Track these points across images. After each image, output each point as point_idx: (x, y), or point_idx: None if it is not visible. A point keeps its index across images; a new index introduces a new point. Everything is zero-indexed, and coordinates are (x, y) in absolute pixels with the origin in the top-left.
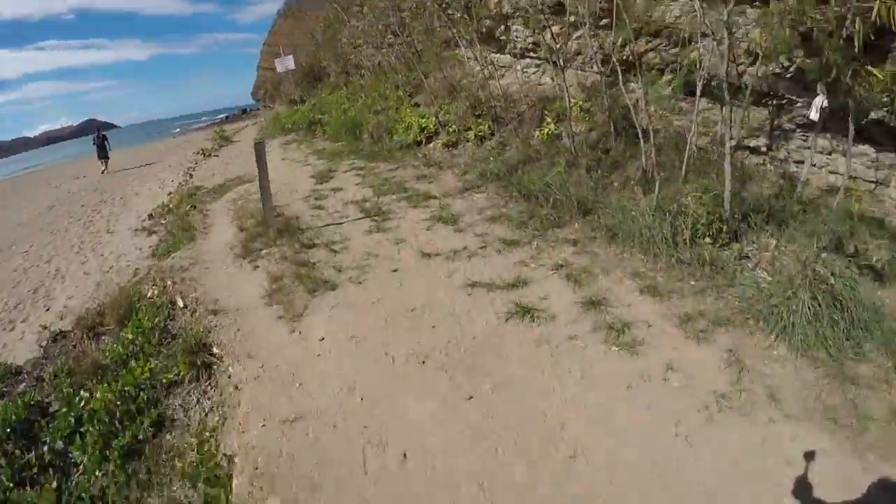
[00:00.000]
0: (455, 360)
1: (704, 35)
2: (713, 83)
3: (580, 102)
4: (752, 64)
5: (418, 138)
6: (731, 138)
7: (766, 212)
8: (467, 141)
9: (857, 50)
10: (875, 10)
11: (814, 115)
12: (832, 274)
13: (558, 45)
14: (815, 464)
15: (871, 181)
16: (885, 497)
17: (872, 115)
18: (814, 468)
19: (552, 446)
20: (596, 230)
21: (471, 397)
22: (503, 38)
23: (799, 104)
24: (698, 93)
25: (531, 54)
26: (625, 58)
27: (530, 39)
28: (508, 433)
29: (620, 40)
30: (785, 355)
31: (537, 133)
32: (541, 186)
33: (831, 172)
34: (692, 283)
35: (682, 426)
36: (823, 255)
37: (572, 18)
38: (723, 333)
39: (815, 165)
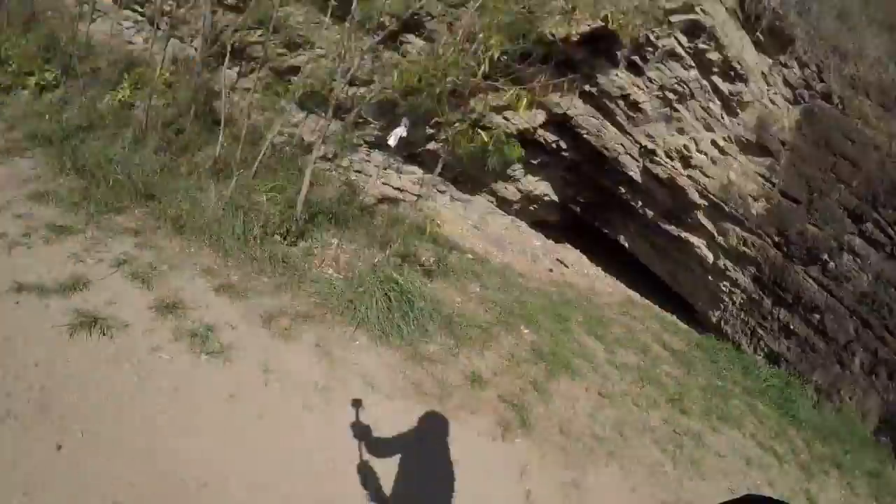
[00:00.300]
0: (22, 402)
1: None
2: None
3: (166, 74)
4: (365, 85)
5: None
6: (319, 149)
7: (331, 214)
8: (24, 88)
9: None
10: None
11: (392, 141)
12: (399, 274)
13: (168, 8)
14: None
15: (416, 195)
16: None
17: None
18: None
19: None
20: (160, 219)
21: (60, 447)
22: None
23: (373, 125)
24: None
25: (136, 6)
26: (234, 43)
27: None
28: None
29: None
30: (367, 344)
31: (109, 97)
32: (100, 160)
33: (385, 184)
34: (266, 279)
35: (300, 431)
36: (391, 258)
37: None
38: (307, 330)
39: (370, 176)
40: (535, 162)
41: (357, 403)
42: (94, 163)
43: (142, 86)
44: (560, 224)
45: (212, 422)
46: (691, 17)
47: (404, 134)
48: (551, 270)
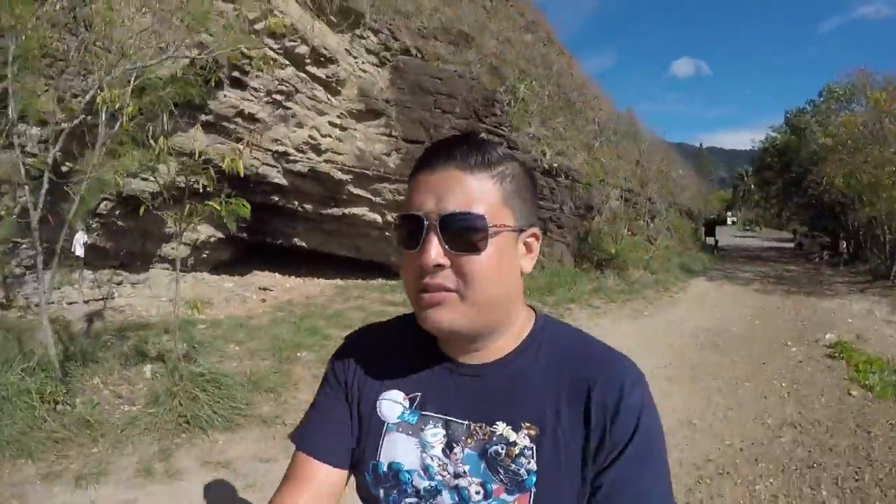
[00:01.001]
0: None
1: None
2: None
3: None
4: None
5: None
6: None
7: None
8: None
9: None
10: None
11: (79, 251)
12: None
13: None
14: None
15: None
16: None
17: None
18: None
19: None
20: None
21: None
22: None
23: (24, 245)
24: None
25: None
26: None
27: None
28: None
29: None
30: None
31: None
32: None
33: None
34: None
35: None
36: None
37: None
38: None
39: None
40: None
41: None
42: None
43: None
44: (235, 257)
45: None
46: (271, 20)
47: (86, 239)
48: (264, 301)
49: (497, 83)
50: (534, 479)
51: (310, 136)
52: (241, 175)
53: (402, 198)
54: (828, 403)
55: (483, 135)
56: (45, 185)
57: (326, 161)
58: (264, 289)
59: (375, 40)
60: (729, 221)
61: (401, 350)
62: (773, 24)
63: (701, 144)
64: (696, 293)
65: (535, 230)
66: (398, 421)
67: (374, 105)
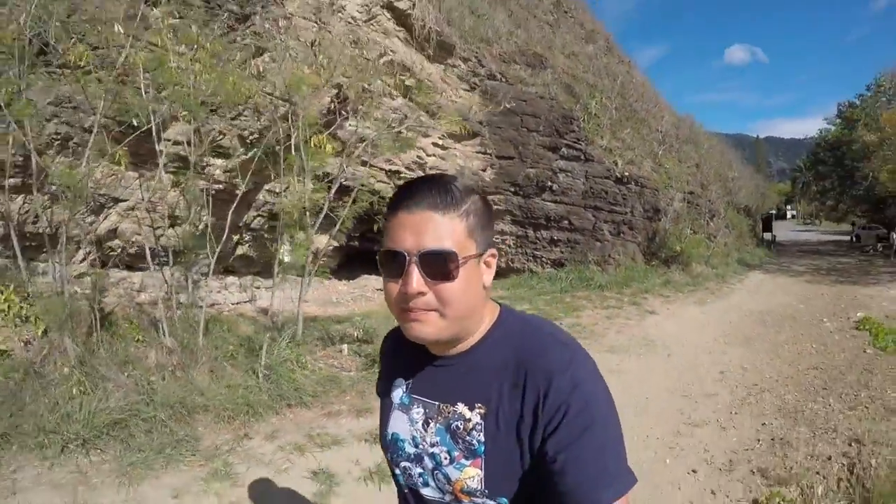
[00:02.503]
0: None
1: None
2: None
3: None
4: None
5: None
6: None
7: None
8: None
9: None
10: None
11: (287, 258)
12: None
13: None
14: None
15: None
16: None
17: None
18: None
19: None
20: None
21: None
22: None
23: (202, 255)
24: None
25: None
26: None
27: None
28: None
29: None
30: None
31: None
32: None
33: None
34: None
35: None
36: None
37: None
38: None
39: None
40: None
41: None
42: None
43: None
44: (341, 264)
45: None
46: (388, 58)
47: (289, 248)
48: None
49: (572, 102)
50: (482, 447)
51: (417, 157)
52: (377, 195)
53: (497, 207)
54: (845, 357)
55: (446, 174)
56: (233, 206)
57: None
58: (379, 290)
59: (465, 68)
60: (789, 215)
61: (406, 348)
62: (824, 5)
63: (758, 136)
64: (752, 284)
65: (493, 250)
66: (398, 402)
67: (471, 127)
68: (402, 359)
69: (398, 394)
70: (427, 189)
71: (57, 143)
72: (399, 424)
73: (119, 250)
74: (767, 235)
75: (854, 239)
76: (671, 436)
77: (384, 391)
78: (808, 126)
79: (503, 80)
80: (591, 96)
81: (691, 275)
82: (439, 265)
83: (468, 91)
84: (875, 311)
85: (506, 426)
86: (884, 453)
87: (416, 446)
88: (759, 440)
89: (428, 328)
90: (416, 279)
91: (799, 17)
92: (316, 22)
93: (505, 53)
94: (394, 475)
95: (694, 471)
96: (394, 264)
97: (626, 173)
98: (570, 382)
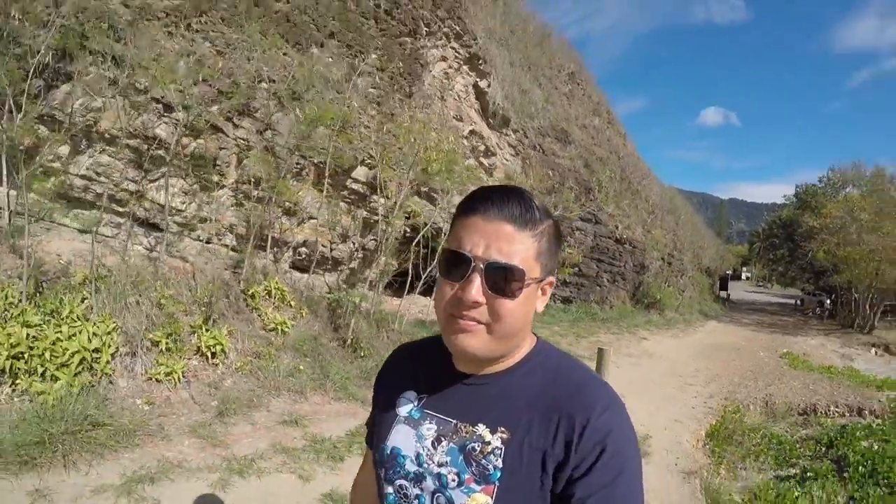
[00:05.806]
0: None
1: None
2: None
3: None
4: (343, 241)
5: None
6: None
7: None
8: None
9: None
10: None
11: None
12: None
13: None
14: None
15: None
16: None
17: None
18: None
19: None
20: None
21: None
22: None
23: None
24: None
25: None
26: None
27: None
28: None
29: None
30: None
31: None
32: None
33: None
34: None
35: None
36: None
37: None
38: None
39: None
40: None
41: None
42: None
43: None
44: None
45: None
46: (471, 126)
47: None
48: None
49: (589, 174)
50: (498, 474)
51: None
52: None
53: None
54: (769, 368)
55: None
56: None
57: None
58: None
59: (514, 137)
60: (744, 276)
61: (423, 361)
62: (802, 77)
63: (722, 200)
64: (709, 328)
65: (552, 278)
66: (406, 415)
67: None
68: (418, 372)
69: (408, 408)
70: (508, 200)
71: (294, 170)
72: (402, 439)
73: (304, 256)
74: (723, 293)
75: (798, 303)
76: (675, 389)
77: (386, 404)
78: (771, 192)
79: (540, 150)
80: (603, 172)
81: (665, 318)
82: (504, 280)
83: (513, 156)
84: (796, 350)
85: (529, 457)
86: (779, 395)
87: (420, 465)
88: (721, 393)
89: (475, 342)
90: (477, 288)
91: (776, 84)
92: (441, 98)
93: (542, 127)
94: (382, 495)
95: (693, 397)
96: (457, 267)
97: (624, 236)
98: (608, 424)
